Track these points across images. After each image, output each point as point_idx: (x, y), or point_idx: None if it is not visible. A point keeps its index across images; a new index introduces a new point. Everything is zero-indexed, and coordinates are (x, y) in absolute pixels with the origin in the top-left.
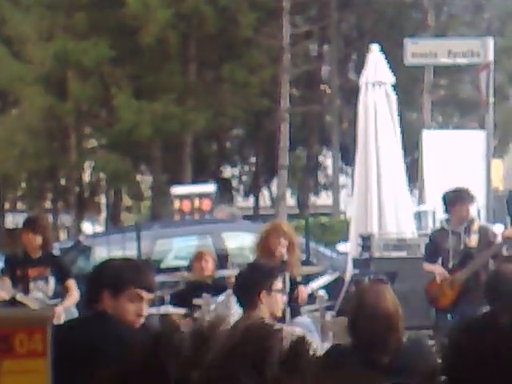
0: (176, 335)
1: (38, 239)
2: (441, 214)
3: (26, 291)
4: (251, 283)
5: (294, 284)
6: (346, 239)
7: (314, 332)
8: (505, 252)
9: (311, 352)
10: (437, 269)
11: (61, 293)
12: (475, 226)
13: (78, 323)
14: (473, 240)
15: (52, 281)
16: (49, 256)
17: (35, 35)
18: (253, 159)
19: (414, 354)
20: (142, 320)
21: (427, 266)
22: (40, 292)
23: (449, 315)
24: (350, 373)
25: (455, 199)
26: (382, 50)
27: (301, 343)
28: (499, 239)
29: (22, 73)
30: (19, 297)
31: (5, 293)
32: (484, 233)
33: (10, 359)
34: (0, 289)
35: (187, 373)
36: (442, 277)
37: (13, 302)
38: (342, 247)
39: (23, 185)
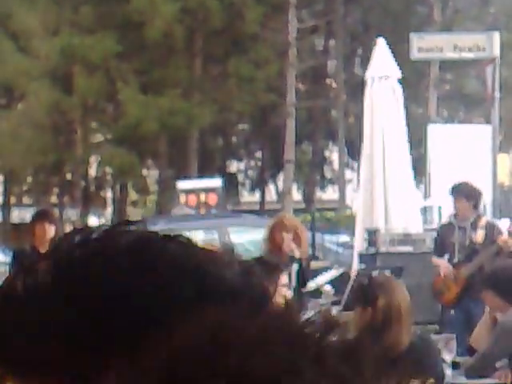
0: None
1: (53, 230)
2: (447, 209)
3: None
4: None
5: (302, 277)
6: (348, 233)
7: None
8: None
9: (372, 348)
10: (442, 263)
11: None
12: (482, 222)
13: None
14: (479, 235)
15: None
16: None
17: (41, 30)
18: (259, 154)
19: (419, 349)
20: None
21: (434, 260)
22: None
23: (452, 310)
24: (408, 370)
25: (453, 193)
26: (388, 44)
27: (363, 337)
28: (505, 235)
29: (28, 67)
30: None
31: None
32: (490, 228)
33: None
34: None
35: (246, 364)
36: (447, 271)
37: None
38: (343, 238)
39: (29, 179)
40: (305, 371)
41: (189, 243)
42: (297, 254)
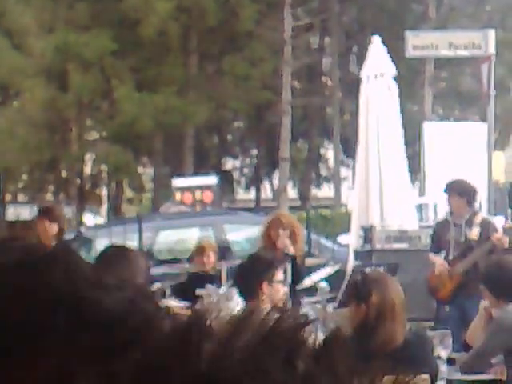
0: (207, 323)
1: (54, 228)
2: (442, 206)
3: None
4: (253, 274)
5: (297, 274)
6: (346, 231)
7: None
8: (506, 244)
9: (346, 345)
10: (437, 260)
11: None
12: (477, 219)
13: None
14: (474, 232)
15: None
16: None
17: (36, 27)
18: (254, 151)
19: (414, 346)
20: None
21: (431, 257)
22: None
23: (447, 307)
24: (385, 368)
25: (448, 190)
26: (383, 42)
27: (335, 336)
28: (500, 232)
29: (23, 65)
30: None
31: None
32: (485, 226)
33: None
34: None
35: (218, 363)
36: (442, 268)
37: None
38: (343, 239)
39: (24, 177)
40: (272, 372)
41: (76, 264)
42: (291, 251)
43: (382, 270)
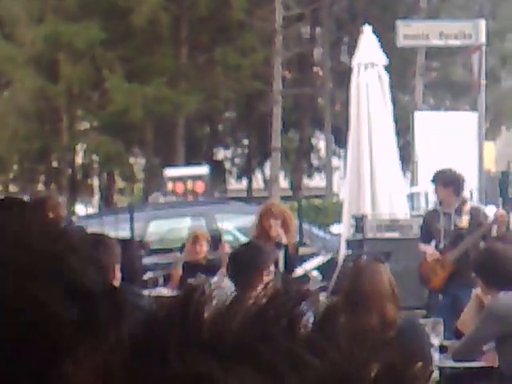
0: (206, 295)
1: (51, 216)
2: (433, 195)
3: None
4: (254, 263)
5: (289, 263)
6: (339, 221)
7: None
8: (494, 232)
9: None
10: (428, 249)
11: None
12: (467, 207)
13: None
14: (464, 221)
15: None
16: None
17: (26, 17)
18: (245, 141)
19: (408, 333)
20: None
21: (421, 246)
22: None
23: (440, 295)
24: (384, 342)
25: (434, 181)
26: (374, 31)
27: (334, 307)
28: (490, 220)
29: (13, 54)
30: None
31: None
32: (475, 214)
33: None
34: None
35: (219, 332)
36: (433, 257)
37: None
38: (335, 229)
39: (15, 167)
40: (277, 336)
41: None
42: (284, 240)
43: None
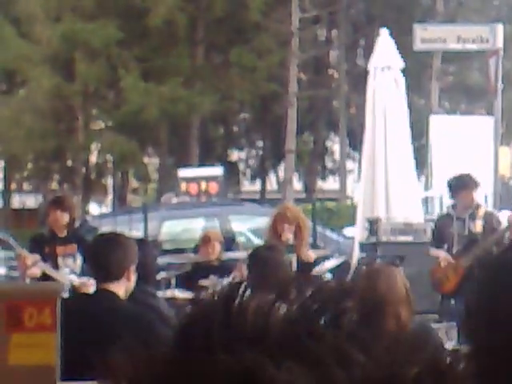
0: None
1: (66, 217)
2: (448, 200)
3: (55, 267)
4: (281, 265)
5: (301, 266)
6: (352, 224)
7: None
8: (508, 238)
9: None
10: (441, 254)
11: (88, 271)
12: (481, 212)
13: (86, 298)
14: (478, 226)
15: (79, 258)
16: (75, 234)
17: (43, 15)
18: (260, 143)
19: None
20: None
21: (433, 252)
22: (68, 268)
23: (452, 300)
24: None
25: (459, 185)
26: (391, 35)
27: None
28: (504, 225)
29: (30, 53)
30: (49, 271)
31: (37, 268)
32: (489, 219)
33: (19, 332)
34: (31, 264)
35: (266, 327)
36: (446, 262)
37: (45, 277)
38: (348, 231)
39: (30, 165)
40: (324, 334)
41: None
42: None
43: (387, 262)
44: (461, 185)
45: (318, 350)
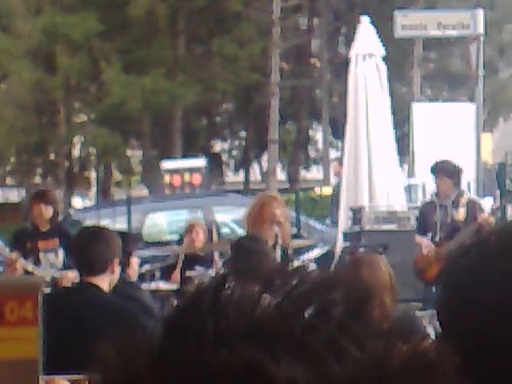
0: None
1: (49, 211)
2: (431, 187)
3: (37, 263)
4: (266, 256)
5: (285, 256)
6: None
7: None
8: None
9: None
10: (423, 241)
11: (70, 265)
12: (463, 200)
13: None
14: (460, 213)
15: (61, 253)
16: (59, 228)
17: (23, 9)
18: (243, 134)
19: (405, 325)
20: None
21: (417, 238)
22: (49, 264)
23: (433, 288)
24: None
25: (434, 171)
26: (372, 22)
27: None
28: (486, 213)
29: (10, 47)
30: (30, 268)
31: (19, 265)
32: (472, 206)
33: (1, 327)
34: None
35: (262, 321)
36: (428, 249)
37: (26, 273)
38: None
39: (12, 160)
40: (320, 328)
41: None
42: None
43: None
44: (436, 171)
45: (314, 344)
